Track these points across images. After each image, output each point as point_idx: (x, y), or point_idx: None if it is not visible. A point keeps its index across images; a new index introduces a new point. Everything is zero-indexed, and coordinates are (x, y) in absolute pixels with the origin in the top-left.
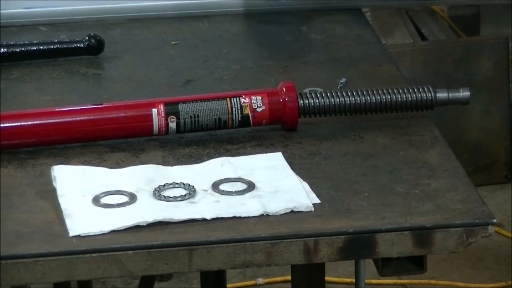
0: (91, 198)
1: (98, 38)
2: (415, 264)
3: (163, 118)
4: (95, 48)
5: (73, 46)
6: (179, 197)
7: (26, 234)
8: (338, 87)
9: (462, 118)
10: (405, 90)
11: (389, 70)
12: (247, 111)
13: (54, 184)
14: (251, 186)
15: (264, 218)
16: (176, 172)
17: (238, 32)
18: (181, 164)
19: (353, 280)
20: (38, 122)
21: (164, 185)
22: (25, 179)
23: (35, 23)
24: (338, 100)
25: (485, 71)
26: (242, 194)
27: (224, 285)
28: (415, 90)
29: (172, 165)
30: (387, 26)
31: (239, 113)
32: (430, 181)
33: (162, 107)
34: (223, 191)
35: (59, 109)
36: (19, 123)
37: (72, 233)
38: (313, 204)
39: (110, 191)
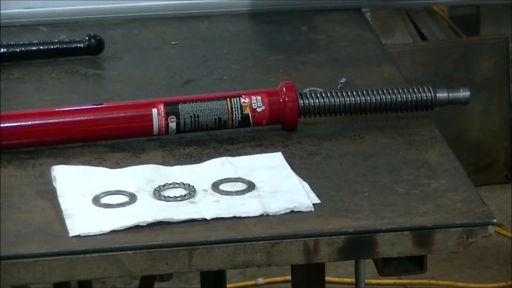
0: (91, 198)
1: (98, 38)
2: (415, 264)
3: (163, 118)
4: (95, 48)
5: (73, 46)
6: (179, 197)
7: (26, 234)
8: (338, 87)
9: (462, 118)
10: (405, 90)
11: (389, 70)
12: (247, 111)
13: (54, 184)
14: (251, 186)
15: (264, 218)
16: (176, 172)
17: (238, 32)
18: (181, 164)
19: (353, 280)
20: (38, 122)
21: (164, 185)
22: (25, 179)
23: (35, 23)
24: (338, 100)
25: (485, 71)
26: (242, 194)
27: (224, 285)
28: (415, 90)
29: (172, 165)
30: (387, 26)
31: (239, 113)
32: (430, 181)
33: (162, 107)
34: (223, 191)
35: (59, 109)
36: (19, 123)
37: (72, 233)
38: (313, 204)
39: (110, 191)
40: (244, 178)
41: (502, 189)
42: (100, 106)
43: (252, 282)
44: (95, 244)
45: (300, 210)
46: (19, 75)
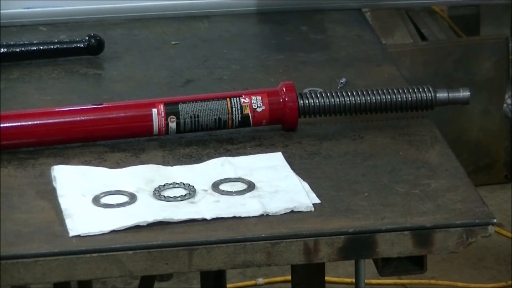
0: (91, 198)
1: (98, 38)
2: (415, 264)
3: (163, 118)
4: (95, 48)
5: (73, 46)
6: (179, 197)
7: (26, 234)
8: (338, 87)
9: (462, 118)
10: (405, 90)
11: (389, 70)
12: (247, 111)
13: (54, 184)
14: (251, 186)
15: (264, 218)
16: (176, 172)
17: (238, 32)
18: (181, 164)
19: (353, 280)
20: (38, 122)
21: (164, 185)
22: (25, 179)
23: (35, 23)
24: (338, 100)
25: (485, 71)
26: (242, 194)
27: (224, 285)
28: (415, 90)
29: (172, 165)
30: (387, 26)
31: (239, 113)
32: (430, 181)
33: (162, 107)
34: (223, 191)
35: (59, 109)
36: (19, 123)
37: (72, 233)
38: (313, 204)
39: (110, 191)
40: (244, 178)
41: (502, 189)
42: (100, 106)
43: (252, 282)
44: (95, 244)
45: (300, 210)
46: (19, 75)
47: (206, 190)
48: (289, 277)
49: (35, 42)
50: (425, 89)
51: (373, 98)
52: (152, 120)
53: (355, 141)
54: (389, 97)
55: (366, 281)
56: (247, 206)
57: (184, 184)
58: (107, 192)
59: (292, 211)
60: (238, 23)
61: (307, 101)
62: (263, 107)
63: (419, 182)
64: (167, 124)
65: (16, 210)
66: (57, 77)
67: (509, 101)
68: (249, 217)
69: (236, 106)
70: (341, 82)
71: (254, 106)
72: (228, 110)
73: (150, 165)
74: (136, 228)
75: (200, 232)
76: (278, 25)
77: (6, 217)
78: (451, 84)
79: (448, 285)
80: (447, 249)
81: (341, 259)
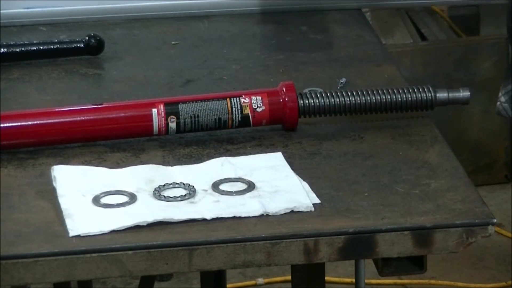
0: (91, 198)
1: (98, 38)
2: (415, 264)
3: (163, 118)
4: (95, 48)
5: (73, 46)
6: (179, 197)
7: (26, 234)
8: (338, 87)
9: (462, 118)
10: (405, 90)
11: (389, 70)
12: (247, 111)
13: (54, 184)
14: (251, 186)
15: (264, 218)
16: (176, 172)
17: (238, 32)
18: (181, 164)
19: (353, 280)
20: (38, 122)
21: (164, 185)
22: (25, 179)
23: (35, 23)
24: (338, 100)
25: (485, 71)
26: (242, 194)
27: (224, 285)
28: (415, 90)
29: (172, 165)
30: (387, 26)
31: (239, 113)
32: (430, 181)
33: (162, 107)
34: (223, 191)
35: (59, 109)
36: (19, 123)
37: (72, 233)
38: (313, 204)
39: (110, 191)
40: (244, 178)
41: (502, 189)
42: (100, 106)
43: (252, 282)
44: (95, 244)
45: (300, 210)
46: (19, 75)
47: (206, 190)
48: (289, 277)
49: (35, 42)
50: (425, 89)
51: (373, 98)
52: (152, 120)
53: (355, 141)
54: (389, 97)
55: (366, 281)
56: (247, 206)
57: (184, 184)
58: (107, 192)
59: (292, 211)
60: (238, 23)
61: (307, 101)
62: (263, 107)
63: (419, 182)
64: (167, 124)
65: (16, 210)
66: (57, 77)
67: (502, 99)
68: (249, 217)
69: (236, 106)
70: (341, 82)
71: (254, 106)
72: (228, 110)
73: (150, 165)
74: (136, 228)
75: (200, 232)
76: (278, 25)
77: (6, 217)
78: (451, 84)
79: (448, 285)
80: (447, 249)
81: (341, 259)
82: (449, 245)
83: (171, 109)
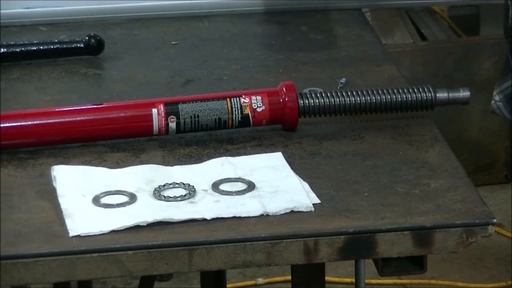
0: (91, 198)
1: (98, 38)
2: (415, 264)
3: (163, 118)
4: (95, 48)
5: (73, 46)
6: (179, 197)
7: (26, 234)
8: (338, 87)
9: (462, 118)
10: (405, 90)
11: (389, 70)
12: (247, 111)
13: (54, 184)
14: (251, 186)
15: (264, 218)
16: (176, 172)
17: (238, 32)
18: (181, 164)
19: (353, 280)
20: (38, 122)
21: (164, 185)
22: (25, 179)
23: (35, 23)
24: (338, 100)
25: (485, 71)
26: (242, 194)
27: (224, 285)
28: (415, 90)
29: (172, 165)
30: (387, 26)
31: (239, 113)
32: (430, 181)
33: (162, 107)
34: (223, 191)
35: (59, 109)
36: (19, 123)
37: (72, 233)
38: (313, 204)
39: (110, 191)
40: (244, 178)
41: (502, 189)
42: (100, 106)
43: (252, 282)
44: (95, 244)
45: (300, 210)
46: (19, 75)
47: (206, 190)
48: (289, 277)
49: (35, 42)
50: (425, 89)
51: (373, 98)
52: (152, 120)
53: (355, 141)
54: (389, 97)
55: (366, 281)
56: (247, 206)
57: (184, 184)
58: (107, 192)
59: (292, 211)
60: (238, 23)
61: (307, 101)
62: (263, 107)
63: (419, 182)
64: (167, 124)
65: (16, 210)
66: (57, 77)
67: (497, 97)
68: (249, 217)
69: (236, 106)
70: (341, 82)
71: (254, 106)
72: (228, 110)
73: (150, 165)
74: (136, 228)
75: (200, 232)
76: (278, 25)
77: (6, 217)
78: (451, 84)
79: (448, 285)
80: (447, 249)
81: (341, 259)
82: (449, 245)
83: (171, 109)
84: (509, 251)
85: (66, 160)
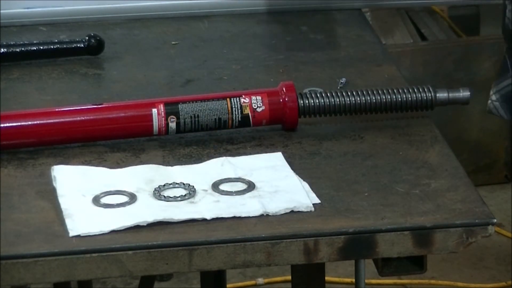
0: (91, 198)
1: (98, 38)
2: (415, 264)
3: (163, 118)
4: (95, 48)
5: (73, 46)
6: (179, 197)
7: (26, 234)
8: (338, 87)
9: (462, 118)
10: (405, 90)
11: (389, 70)
12: (247, 111)
13: (54, 184)
14: (251, 186)
15: (264, 218)
16: (176, 172)
17: (238, 32)
18: (181, 164)
19: (353, 280)
20: (38, 122)
21: (164, 185)
22: (25, 179)
23: (35, 23)
24: (338, 100)
25: (485, 71)
26: (242, 194)
27: (224, 285)
28: (415, 90)
29: (172, 165)
30: (387, 26)
31: (239, 113)
32: (430, 181)
33: (162, 107)
34: (223, 191)
35: (59, 109)
36: (19, 123)
37: (72, 233)
38: (313, 204)
39: (110, 191)
40: (244, 178)
41: (502, 189)
42: (100, 106)
43: (252, 282)
44: (95, 244)
45: (300, 210)
46: (19, 75)
47: (206, 190)
48: (289, 277)
49: (35, 42)
50: (425, 89)
51: (373, 98)
52: (152, 120)
53: (355, 141)
54: (389, 97)
55: (366, 281)
56: (247, 206)
57: (184, 184)
58: (107, 192)
59: (292, 211)
60: (238, 23)
61: (307, 101)
62: (263, 107)
63: (419, 182)
64: (167, 124)
65: (16, 210)
66: (57, 77)
67: (493, 97)
68: (249, 217)
69: (236, 106)
70: (341, 82)
71: (254, 106)
72: (228, 110)
73: (150, 165)
74: (136, 228)
75: (200, 232)
76: (278, 25)
77: (6, 217)
78: (451, 84)
79: (448, 285)
80: (447, 249)
81: (341, 259)
82: (449, 245)
83: (171, 109)
84: (509, 251)
85: (66, 160)
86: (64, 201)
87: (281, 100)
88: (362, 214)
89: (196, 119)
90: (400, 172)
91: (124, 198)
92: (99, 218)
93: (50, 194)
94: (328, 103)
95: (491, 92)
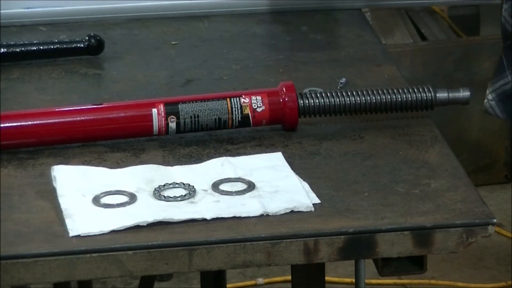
0: (91, 198)
1: (98, 38)
2: (415, 264)
3: (163, 118)
4: (95, 48)
5: (73, 46)
6: (179, 197)
7: (26, 234)
8: (338, 87)
9: (462, 118)
10: (405, 90)
11: (389, 70)
12: (247, 111)
13: (54, 184)
14: (251, 186)
15: (264, 218)
16: (176, 172)
17: (238, 32)
18: (181, 164)
19: (353, 280)
20: (38, 122)
21: (164, 185)
22: (25, 179)
23: (35, 23)
24: (338, 100)
25: (485, 71)
26: (242, 194)
27: (224, 285)
28: (415, 90)
29: (172, 165)
30: (387, 26)
31: (239, 113)
32: (430, 181)
33: (162, 107)
34: (223, 191)
35: (59, 109)
36: (19, 123)
37: (72, 233)
38: (313, 204)
39: (110, 191)
40: (244, 178)
41: (502, 189)
42: (100, 106)
43: (252, 282)
44: (95, 244)
45: (300, 210)
46: (19, 75)
47: (206, 190)
48: (289, 277)
49: (35, 42)
50: (425, 89)
51: (373, 98)
52: (152, 120)
53: (355, 141)
54: (389, 97)
55: (366, 281)
56: (247, 206)
57: (184, 184)
58: (107, 192)
59: (292, 211)
60: (238, 23)
61: (307, 101)
62: (263, 107)
63: (419, 182)
64: (167, 124)
65: (16, 210)
66: (57, 77)
67: (490, 96)
68: (249, 217)
69: (236, 106)
70: (341, 82)
71: (254, 106)
72: (228, 110)
73: (150, 165)
74: (136, 228)
75: (200, 232)
76: (278, 25)
77: (6, 217)
78: (451, 84)
79: (448, 285)
80: (447, 249)
81: (341, 259)
82: (449, 245)
83: (171, 109)
84: (509, 251)
85: (66, 160)
86: (64, 201)
87: (281, 100)
88: (362, 214)
89: (196, 119)
90: (400, 172)
91: (124, 198)
92: (99, 218)
93: (50, 194)
94: (328, 103)
95: (488, 92)
